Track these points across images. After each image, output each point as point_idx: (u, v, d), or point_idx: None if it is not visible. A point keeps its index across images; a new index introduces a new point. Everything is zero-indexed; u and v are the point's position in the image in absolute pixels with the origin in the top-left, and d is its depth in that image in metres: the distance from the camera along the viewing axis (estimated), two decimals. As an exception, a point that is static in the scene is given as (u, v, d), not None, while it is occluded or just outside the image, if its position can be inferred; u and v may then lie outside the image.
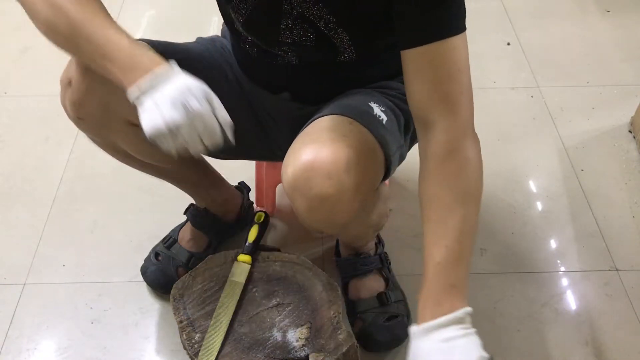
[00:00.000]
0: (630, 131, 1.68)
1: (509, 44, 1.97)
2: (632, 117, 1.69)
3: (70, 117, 1.01)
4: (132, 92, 0.81)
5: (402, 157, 1.04)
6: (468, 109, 0.85)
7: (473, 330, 0.77)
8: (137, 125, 1.01)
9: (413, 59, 0.84)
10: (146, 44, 0.91)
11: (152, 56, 0.84)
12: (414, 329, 0.79)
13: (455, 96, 0.83)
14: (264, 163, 1.36)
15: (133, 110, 0.98)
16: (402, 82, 0.90)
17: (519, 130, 1.69)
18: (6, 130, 1.70)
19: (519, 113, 1.75)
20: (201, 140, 0.81)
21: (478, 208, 0.84)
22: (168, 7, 2.17)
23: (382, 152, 0.94)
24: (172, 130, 0.79)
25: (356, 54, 0.96)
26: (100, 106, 0.96)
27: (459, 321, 0.76)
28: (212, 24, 2.03)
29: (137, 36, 2.15)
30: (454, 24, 0.82)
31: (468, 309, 0.77)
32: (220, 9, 1.03)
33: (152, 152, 1.09)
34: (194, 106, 0.79)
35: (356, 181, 0.87)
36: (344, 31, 0.92)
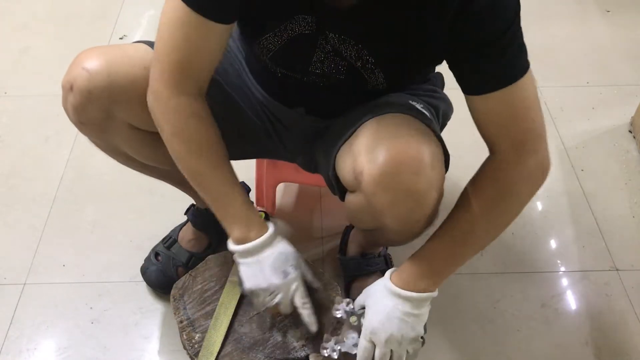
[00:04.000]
0: (630, 131, 1.69)
1: (509, 44, 1.96)
2: (632, 117, 1.69)
3: (72, 121, 1.00)
4: (238, 249, 0.94)
5: None
6: (534, 144, 0.86)
7: (428, 309, 0.91)
8: (138, 129, 1.01)
9: (479, 103, 0.85)
10: (255, 209, 0.98)
11: (261, 222, 0.95)
12: (391, 280, 0.91)
13: (521, 133, 0.85)
14: (264, 163, 1.36)
15: (135, 115, 0.98)
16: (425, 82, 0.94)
17: (519, 130, 1.69)
18: (6, 130, 1.70)
19: (519, 113, 1.75)
20: (292, 300, 0.95)
21: (492, 238, 0.93)
22: (168, 7, 2.17)
23: (442, 148, 0.93)
24: (271, 291, 0.94)
25: (388, 86, 0.95)
26: (103, 111, 0.96)
27: (425, 299, 0.90)
28: (212, 24, 2.03)
29: (137, 36, 2.15)
30: (519, 65, 0.82)
31: (434, 294, 0.91)
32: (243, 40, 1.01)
33: (154, 154, 1.09)
34: (290, 272, 0.94)
35: (438, 177, 0.87)
36: (381, 71, 0.91)
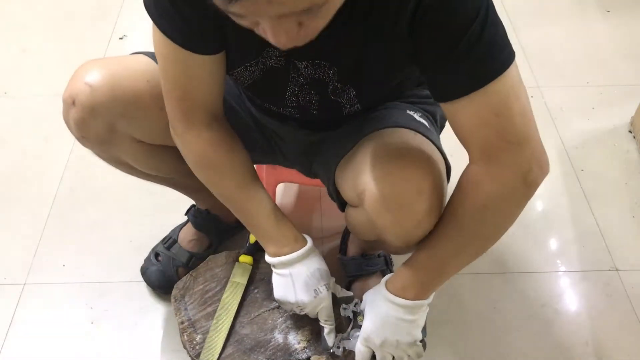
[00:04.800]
0: (630, 131, 1.69)
1: (508, 43, 1.96)
2: (632, 117, 1.69)
3: (74, 135, 0.99)
4: (272, 261, 0.97)
5: None
6: (508, 155, 0.78)
7: (424, 314, 0.92)
8: (142, 142, 1.01)
9: (448, 111, 0.79)
10: (288, 221, 0.98)
11: (294, 237, 0.97)
12: (386, 287, 0.91)
13: (491, 143, 0.77)
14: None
15: (139, 129, 0.98)
16: (417, 88, 0.94)
17: (519, 130, 1.69)
18: (6, 130, 1.70)
19: (519, 113, 1.75)
20: (317, 314, 0.98)
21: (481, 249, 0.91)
22: (168, 7, 2.16)
23: (443, 160, 0.92)
24: (299, 305, 0.96)
25: (362, 106, 0.93)
26: (106, 126, 0.95)
27: (417, 306, 0.90)
28: (212, 24, 2.03)
29: (137, 36, 2.15)
30: (488, 67, 0.73)
31: (428, 301, 0.91)
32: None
33: (157, 165, 1.09)
34: (321, 292, 0.95)
35: (440, 195, 0.86)
36: (353, 89, 0.88)
